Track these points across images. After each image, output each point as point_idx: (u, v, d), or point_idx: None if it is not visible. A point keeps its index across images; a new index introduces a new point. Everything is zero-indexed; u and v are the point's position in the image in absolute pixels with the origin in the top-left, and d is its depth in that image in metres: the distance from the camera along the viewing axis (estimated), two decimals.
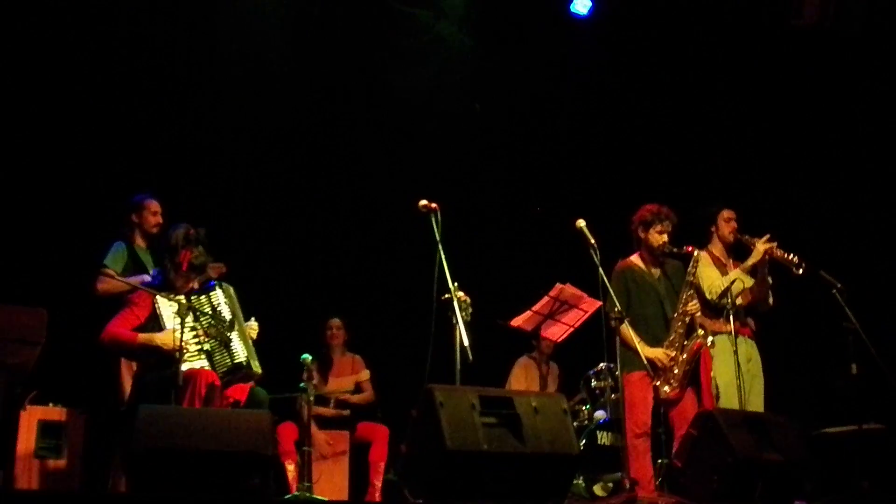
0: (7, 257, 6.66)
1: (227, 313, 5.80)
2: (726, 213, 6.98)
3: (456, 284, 5.65)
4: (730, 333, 6.55)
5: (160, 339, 5.52)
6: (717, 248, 6.93)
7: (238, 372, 5.68)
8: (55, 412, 6.23)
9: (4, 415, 5.63)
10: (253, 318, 6.00)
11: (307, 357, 6.81)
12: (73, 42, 7.41)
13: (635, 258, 6.53)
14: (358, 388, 7.70)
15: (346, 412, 7.58)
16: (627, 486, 5.93)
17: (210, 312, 5.73)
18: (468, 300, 5.77)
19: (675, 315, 6.31)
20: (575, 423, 6.17)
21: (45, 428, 6.18)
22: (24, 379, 5.60)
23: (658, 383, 6.19)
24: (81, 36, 7.46)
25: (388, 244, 8.50)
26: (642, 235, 6.46)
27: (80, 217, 7.15)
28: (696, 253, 6.50)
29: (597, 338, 6.31)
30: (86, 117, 7.41)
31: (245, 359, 5.68)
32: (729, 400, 6.50)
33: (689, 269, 6.42)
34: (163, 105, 7.78)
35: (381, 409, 7.78)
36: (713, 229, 6.99)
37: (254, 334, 5.97)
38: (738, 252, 7.00)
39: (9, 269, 6.54)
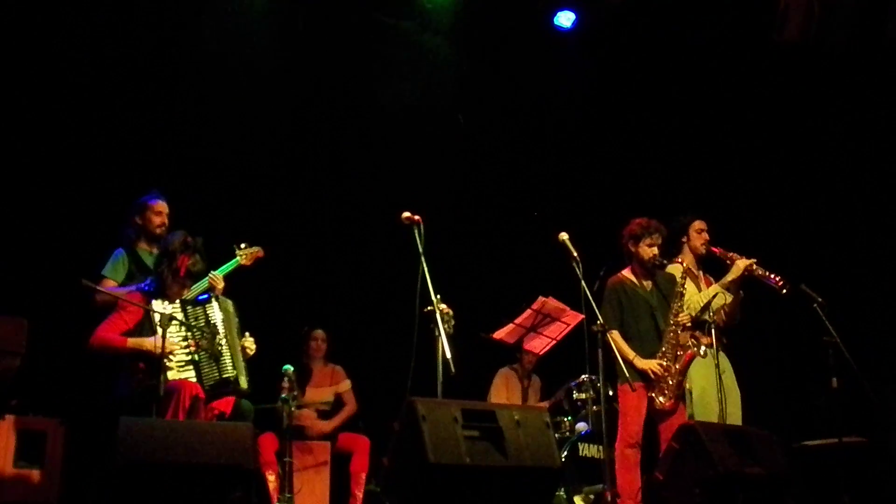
0: None
1: (220, 327, 5.80)
2: (698, 224, 7.01)
3: (438, 297, 5.67)
4: (707, 346, 6.59)
5: (149, 344, 5.50)
6: (687, 258, 6.93)
7: (225, 387, 5.69)
8: (35, 422, 6.16)
9: None
10: (247, 334, 5.99)
11: (288, 368, 6.79)
12: (64, 47, 7.40)
13: (627, 272, 6.58)
14: (339, 399, 7.68)
15: (327, 429, 7.54)
16: (609, 498, 5.94)
17: (203, 324, 5.72)
18: (451, 312, 5.79)
19: (667, 327, 6.35)
20: (557, 435, 6.17)
21: (25, 437, 6.12)
22: (4, 388, 5.58)
23: (653, 394, 6.21)
24: (71, 40, 7.43)
25: (371, 255, 8.49)
26: (633, 249, 6.51)
27: (62, 226, 7.10)
28: (683, 265, 6.55)
29: (579, 349, 6.34)
30: (70, 126, 7.37)
31: (234, 374, 5.69)
32: (704, 409, 6.54)
33: (678, 281, 6.47)
34: (146, 116, 7.74)
35: (363, 419, 7.76)
36: (684, 240, 7.02)
37: (250, 350, 5.96)
38: (707, 263, 7.02)
39: None
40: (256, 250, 6.62)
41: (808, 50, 8.23)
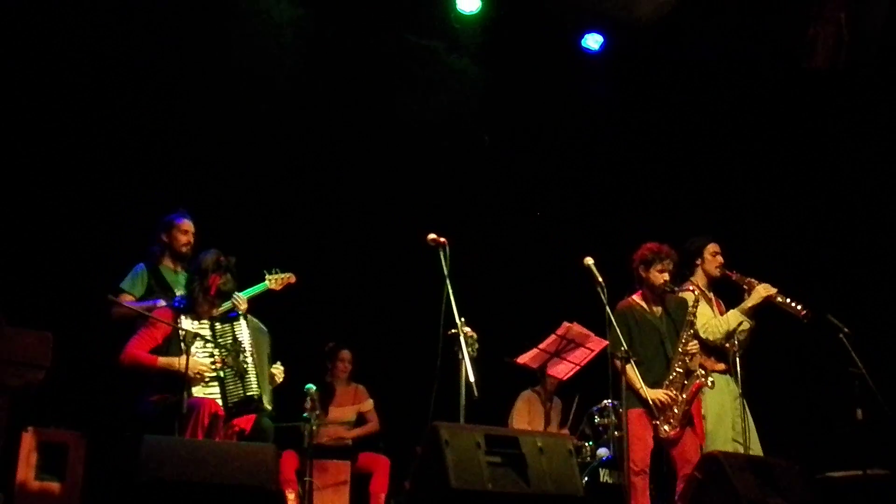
0: (14, 279, 6.64)
1: (247, 345, 5.81)
2: (712, 247, 6.95)
3: (463, 320, 5.65)
4: (722, 372, 6.62)
5: (181, 363, 5.51)
6: (701, 281, 6.89)
7: (249, 405, 5.70)
8: (57, 434, 6.19)
9: (6, 437, 5.60)
10: (278, 362, 6.00)
11: (311, 387, 6.81)
12: (89, 62, 7.46)
13: (637, 297, 6.54)
14: (361, 418, 7.68)
15: (349, 441, 7.55)
16: None
17: (230, 341, 5.74)
18: (475, 336, 5.77)
19: (676, 354, 6.30)
20: (577, 460, 6.14)
21: (47, 450, 6.14)
22: (28, 401, 5.59)
23: (658, 423, 6.16)
24: (94, 54, 7.50)
25: (396, 276, 8.49)
26: (643, 274, 6.47)
27: (89, 240, 7.15)
28: (695, 293, 6.51)
29: (602, 374, 6.31)
30: (95, 140, 7.43)
31: (258, 392, 5.70)
32: (717, 435, 6.49)
33: (689, 309, 6.43)
34: (176, 133, 7.80)
35: (384, 440, 7.75)
36: (698, 263, 6.96)
37: (278, 378, 5.96)
38: (718, 287, 6.97)
39: (16, 291, 6.51)
40: (288, 276, 6.71)
41: (838, 76, 8.20)
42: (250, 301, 6.30)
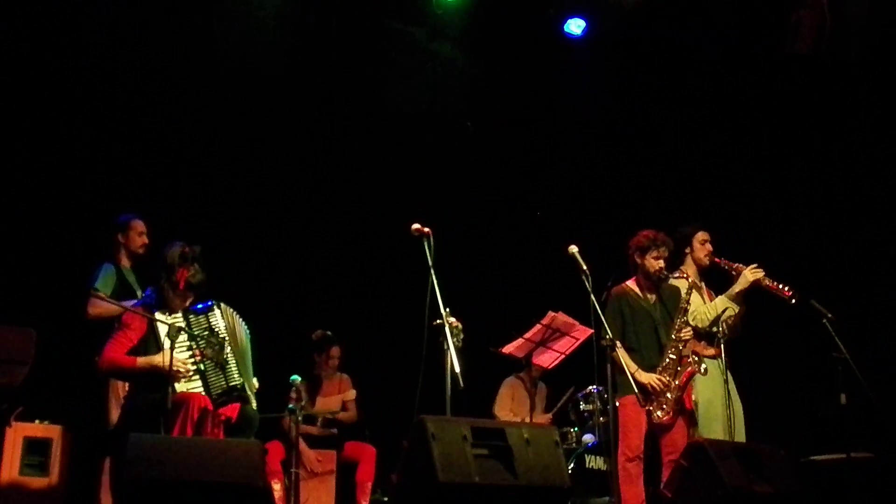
0: None
1: (224, 334, 5.76)
2: (701, 236, 6.94)
3: (448, 310, 5.63)
4: (712, 357, 6.61)
5: (159, 360, 5.47)
6: (690, 269, 6.89)
7: (232, 394, 5.65)
8: (41, 429, 6.18)
9: None
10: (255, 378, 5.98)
11: (296, 378, 6.79)
12: (64, 57, 7.38)
13: (631, 283, 6.56)
14: (343, 408, 7.67)
15: (334, 431, 7.55)
16: None
17: (207, 333, 5.70)
18: (460, 326, 5.75)
19: (669, 341, 6.32)
20: (563, 446, 6.15)
21: (31, 445, 6.13)
22: (12, 397, 5.58)
23: (651, 408, 6.19)
24: (72, 50, 7.42)
25: (380, 267, 8.47)
26: (639, 261, 6.49)
27: (71, 237, 7.12)
28: (689, 280, 6.52)
29: (587, 360, 6.31)
30: (74, 134, 7.37)
31: (240, 381, 5.65)
32: (709, 421, 6.52)
33: (682, 296, 6.44)
34: (154, 121, 7.75)
35: (369, 428, 7.74)
36: (688, 251, 6.94)
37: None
38: (709, 275, 6.98)
39: None
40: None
41: (821, 61, 8.20)
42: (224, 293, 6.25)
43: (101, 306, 6.07)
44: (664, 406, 6.21)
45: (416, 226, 5.83)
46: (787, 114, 8.80)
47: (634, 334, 6.37)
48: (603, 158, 9.50)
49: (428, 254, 5.75)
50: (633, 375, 6.08)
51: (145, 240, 6.58)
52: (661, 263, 6.43)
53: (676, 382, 6.24)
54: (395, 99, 8.74)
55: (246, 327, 5.95)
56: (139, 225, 6.60)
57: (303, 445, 7.14)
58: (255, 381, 5.88)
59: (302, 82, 8.51)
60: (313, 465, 7.24)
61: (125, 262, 6.56)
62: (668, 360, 6.30)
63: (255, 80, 8.21)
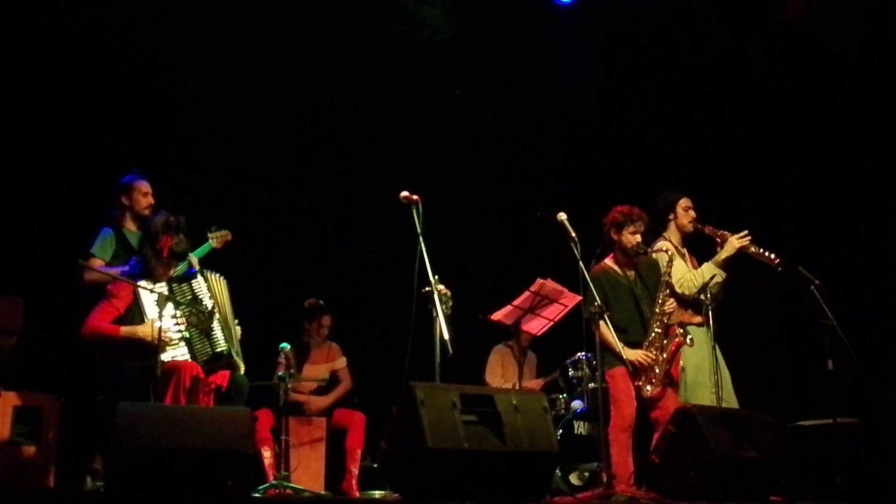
0: None
1: (207, 301, 5.77)
2: (684, 202, 6.92)
3: (437, 277, 5.65)
4: (699, 325, 6.63)
5: (142, 331, 5.49)
6: (674, 237, 6.88)
7: (219, 361, 5.67)
8: (31, 398, 6.16)
9: None
10: (237, 321, 5.98)
11: (285, 346, 6.81)
12: (54, 31, 7.32)
13: (609, 261, 6.50)
14: (334, 377, 7.67)
15: (324, 404, 7.54)
16: (605, 479, 5.96)
17: (190, 300, 5.70)
18: (449, 293, 5.77)
19: (653, 315, 6.30)
20: (552, 413, 6.18)
21: (21, 414, 6.12)
22: (0, 366, 5.57)
23: (640, 383, 6.18)
24: (62, 25, 7.36)
25: (369, 235, 8.46)
26: (615, 237, 6.42)
27: (58, 205, 7.07)
28: (669, 251, 6.52)
29: (576, 327, 6.33)
30: (65, 104, 7.32)
31: (226, 348, 5.67)
32: (697, 388, 6.55)
33: (663, 269, 6.42)
34: (144, 92, 7.69)
35: (359, 396, 7.76)
36: (671, 217, 6.92)
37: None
38: (690, 243, 6.98)
39: None
40: (225, 234, 6.71)
41: (808, 31, 8.19)
42: (201, 262, 6.24)
43: (92, 273, 6.04)
44: (653, 381, 6.19)
45: (404, 193, 5.84)
46: (775, 80, 8.79)
47: (617, 312, 6.26)
48: (591, 125, 9.47)
49: (417, 221, 5.76)
50: (619, 354, 6.07)
51: (151, 200, 6.42)
52: (638, 238, 6.35)
53: (664, 356, 6.23)
54: (382, 65, 8.69)
55: (228, 291, 5.96)
56: (143, 185, 6.45)
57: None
58: (238, 329, 5.92)
59: (288, 50, 8.45)
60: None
61: (130, 226, 6.42)
62: (653, 334, 6.25)
63: (241, 49, 8.15)
